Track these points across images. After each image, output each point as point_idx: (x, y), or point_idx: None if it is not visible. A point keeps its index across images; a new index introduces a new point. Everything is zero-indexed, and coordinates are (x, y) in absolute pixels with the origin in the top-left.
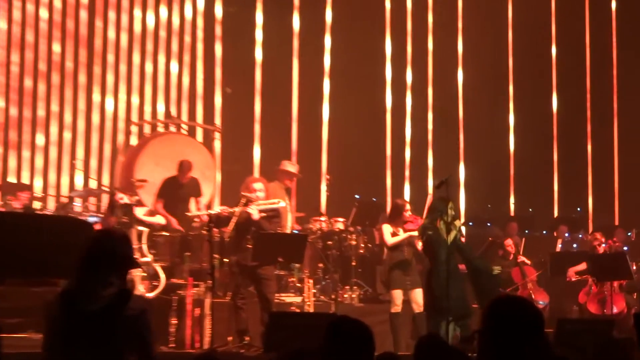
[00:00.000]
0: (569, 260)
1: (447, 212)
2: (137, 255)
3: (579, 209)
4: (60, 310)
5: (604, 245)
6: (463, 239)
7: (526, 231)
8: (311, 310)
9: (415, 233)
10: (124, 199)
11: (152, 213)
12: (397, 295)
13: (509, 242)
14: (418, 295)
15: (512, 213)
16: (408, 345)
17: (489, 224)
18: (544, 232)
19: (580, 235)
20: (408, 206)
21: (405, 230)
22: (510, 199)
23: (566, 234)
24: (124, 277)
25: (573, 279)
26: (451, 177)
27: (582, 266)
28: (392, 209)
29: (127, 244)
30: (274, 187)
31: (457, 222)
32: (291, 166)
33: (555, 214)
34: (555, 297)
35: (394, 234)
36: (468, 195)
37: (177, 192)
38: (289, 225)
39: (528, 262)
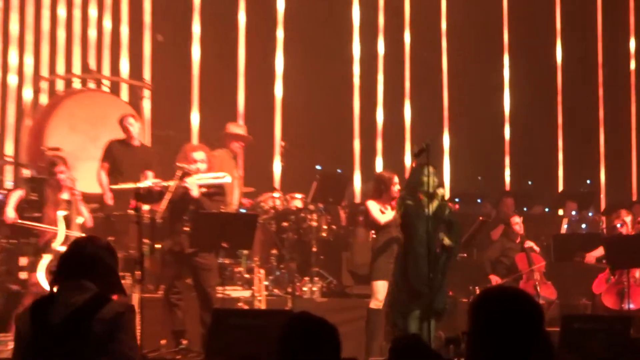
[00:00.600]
0: (577, 243)
1: (428, 180)
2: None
3: (588, 181)
4: (29, 323)
5: (618, 225)
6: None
7: (524, 209)
8: (263, 306)
9: None
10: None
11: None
12: (381, 287)
13: (516, 220)
14: None
15: (507, 187)
16: (382, 349)
17: (479, 201)
18: (546, 209)
19: (590, 214)
20: (397, 179)
21: (393, 208)
22: (505, 171)
23: (573, 213)
24: (102, 283)
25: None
26: (433, 143)
27: (601, 251)
28: (378, 183)
29: (104, 249)
30: (221, 156)
31: (440, 191)
32: (237, 127)
33: (560, 188)
34: (560, 288)
35: (381, 212)
36: (454, 165)
37: (127, 158)
38: (236, 203)
39: (537, 248)
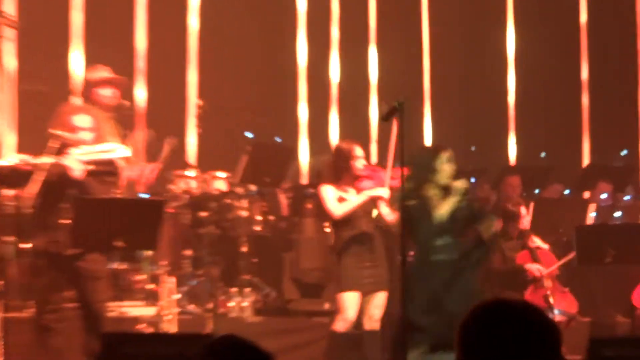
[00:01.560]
0: (610, 238)
1: (439, 168)
2: None
3: (624, 152)
4: None
5: None
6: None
7: (535, 190)
8: (173, 329)
9: (378, 192)
10: None
11: None
12: (350, 301)
13: (520, 206)
14: (380, 301)
15: (511, 161)
16: None
17: (472, 180)
18: (566, 191)
19: (628, 197)
20: (360, 151)
21: (359, 191)
22: (509, 139)
23: (604, 195)
24: None
25: None
26: (408, 102)
27: None
28: (334, 159)
29: None
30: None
31: (459, 184)
32: (99, 71)
33: (585, 161)
34: (586, 301)
35: (340, 200)
36: (437, 132)
37: None
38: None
39: (545, 245)
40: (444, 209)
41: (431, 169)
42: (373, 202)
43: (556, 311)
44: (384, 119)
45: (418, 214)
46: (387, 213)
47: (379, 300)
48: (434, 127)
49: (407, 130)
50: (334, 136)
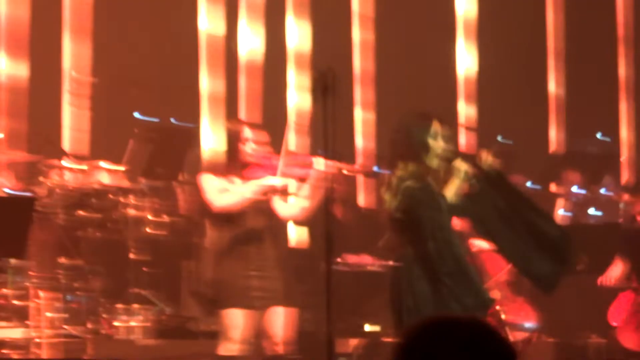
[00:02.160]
0: (584, 241)
1: (436, 144)
2: None
3: (599, 136)
4: None
5: None
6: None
7: None
8: (46, 354)
9: (271, 182)
10: None
11: None
12: (235, 320)
13: None
14: (278, 319)
15: (460, 146)
16: None
17: None
18: (528, 183)
19: (604, 191)
20: (249, 133)
21: (246, 180)
22: (461, 120)
23: (575, 189)
24: None
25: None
26: (340, 71)
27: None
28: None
29: None
30: None
31: (460, 165)
32: None
33: (552, 146)
34: (554, 318)
35: (224, 190)
36: (381, 109)
37: None
38: None
39: (486, 245)
40: (449, 192)
41: (424, 144)
42: (266, 192)
43: (510, 326)
44: (314, 91)
45: (421, 201)
46: (284, 208)
47: (277, 318)
48: (368, 109)
49: (335, 110)
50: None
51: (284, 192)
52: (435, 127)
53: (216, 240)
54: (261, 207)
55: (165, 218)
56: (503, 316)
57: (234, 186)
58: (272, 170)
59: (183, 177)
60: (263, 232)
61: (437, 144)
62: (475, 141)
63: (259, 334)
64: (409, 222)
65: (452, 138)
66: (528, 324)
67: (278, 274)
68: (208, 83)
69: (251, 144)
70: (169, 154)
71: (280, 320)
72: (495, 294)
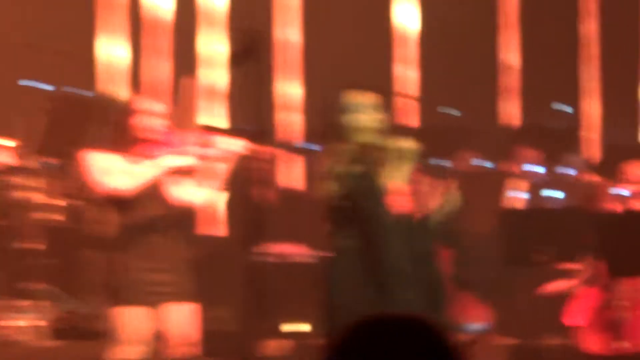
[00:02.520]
0: (543, 228)
1: (365, 117)
2: None
3: (560, 107)
4: None
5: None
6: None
7: (429, 160)
8: None
9: (174, 162)
10: None
11: None
12: (129, 319)
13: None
14: (179, 317)
15: (411, 121)
16: None
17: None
18: (479, 161)
19: (565, 170)
20: (146, 104)
21: (143, 158)
22: (404, 85)
23: (531, 167)
24: None
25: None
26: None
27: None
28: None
29: None
30: None
31: (407, 145)
32: None
33: (506, 120)
34: (507, 315)
35: (115, 171)
36: (306, 83)
37: None
38: None
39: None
40: (398, 178)
41: (349, 121)
42: (165, 173)
43: (456, 327)
44: (235, 60)
45: (363, 188)
46: (193, 193)
47: (178, 317)
48: (294, 78)
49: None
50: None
51: (189, 174)
52: (361, 99)
53: (109, 228)
54: (158, 192)
55: (63, 201)
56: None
57: (129, 166)
58: (174, 148)
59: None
60: (163, 219)
61: (366, 117)
62: (417, 112)
63: (158, 335)
64: (346, 211)
65: (385, 107)
66: (474, 325)
67: (182, 266)
68: (109, 46)
69: (149, 118)
70: (67, 128)
71: (184, 319)
72: None
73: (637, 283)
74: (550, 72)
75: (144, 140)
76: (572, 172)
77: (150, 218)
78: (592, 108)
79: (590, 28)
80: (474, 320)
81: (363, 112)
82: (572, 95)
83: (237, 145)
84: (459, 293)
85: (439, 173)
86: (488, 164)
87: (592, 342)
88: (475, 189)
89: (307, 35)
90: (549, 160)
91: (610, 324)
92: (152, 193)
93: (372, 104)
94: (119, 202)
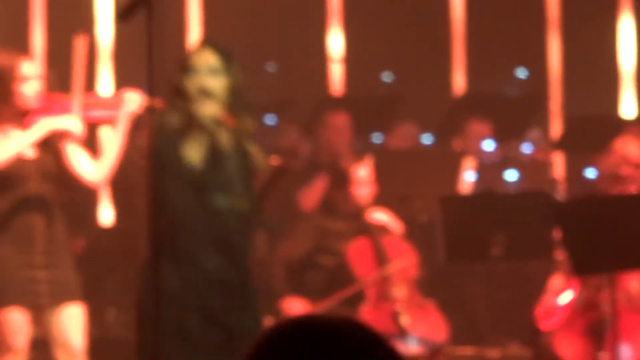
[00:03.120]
0: (499, 216)
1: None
2: None
3: (519, 73)
4: None
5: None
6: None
7: (374, 136)
8: None
9: (63, 124)
10: None
11: None
12: (12, 322)
13: (359, 170)
14: (71, 320)
15: (334, 89)
16: None
17: (270, 121)
18: (424, 137)
19: (526, 147)
20: (30, 68)
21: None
22: (329, 48)
23: (487, 144)
24: None
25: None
26: None
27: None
28: None
29: None
30: None
31: (208, 109)
32: None
33: (457, 87)
34: (465, 320)
35: None
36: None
37: None
38: None
39: (395, 227)
40: (192, 151)
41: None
42: (56, 154)
43: (412, 339)
44: (123, 16)
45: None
46: (89, 167)
47: (70, 319)
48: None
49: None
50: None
51: (76, 139)
52: (198, 59)
53: None
54: (48, 169)
55: None
56: (404, 320)
57: (9, 139)
58: (54, 114)
59: None
60: (52, 202)
61: (199, 81)
62: (344, 79)
63: (46, 340)
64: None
65: (225, 71)
66: (434, 338)
67: (67, 260)
68: None
69: (33, 83)
70: None
71: (75, 322)
72: (399, 293)
73: (621, 279)
74: (501, 27)
75: (30, 109)
76: (528, 149)
77: (38, 199)
78: (552, 71)
79: None
80: (433, 335)
81: (202, 75)
82: (528, 56)
83: (136, 106)
84: (422, 300)
85: (370, 150)
86: (428, 139)
87: (570, 349)
88: (415, 170)
89: None
90: (502, 135)
91: (592, 330)
92: (40, 170)
93: (214, 65)
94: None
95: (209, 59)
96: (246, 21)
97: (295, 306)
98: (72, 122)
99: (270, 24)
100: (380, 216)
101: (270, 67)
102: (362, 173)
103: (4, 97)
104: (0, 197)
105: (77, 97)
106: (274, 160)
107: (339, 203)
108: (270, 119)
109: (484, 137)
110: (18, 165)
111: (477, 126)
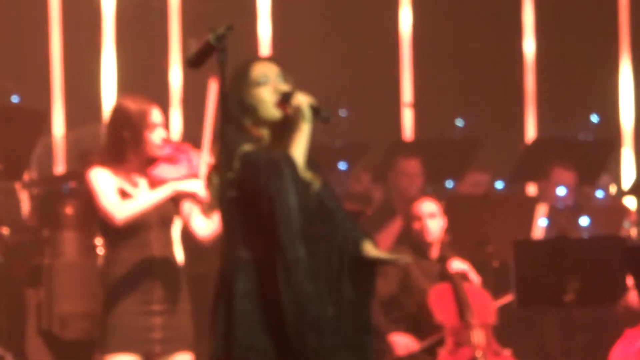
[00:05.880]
0: (572, 261)
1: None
2: None
3: (594, 118)
4: None
5: None
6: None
7: (446, 182)
8: None
9: (190, 186)
10: None
11: None
12: None
13: (428, 208)
14: None
15: (406, 131)
16: None
17: (342, 166)
18: (498, 183)
19: (600, 193)
20: (158, 116)
21: (154, 182)
22: (403, 96)
23: (561, 189)
24: None
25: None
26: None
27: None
28: (113, 127)
29: None
30: None
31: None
32: None
33: (531, 132)
34: None
35: (124, 195)
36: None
37: None
38: None
39: (475, 277)
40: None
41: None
42: (176, 203)
43: None
44: (194, 63)
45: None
46: (202, 223)
47: None
48: None
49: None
50: (109, 94)
51: (199, 202)
52: (258, 69)
53: (108, 263)
54: (168, 217)
55: (4, 230)
56: None
57: (137, 189)
58: (188, 168)
59: (29, 176)
60: (169, 255)
61: (272, 88)
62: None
63: None
64: (245, 203)
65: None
66: None
67: (187, 311)
68: (61, 48)
69: (161, 131)
70: (10, 146)
71: None
72: (478, 339)
73: None
74: (572, 72)
75: (153, 159)
76: (600, 194)
77: (158, 248)
78: (624, 116)
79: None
80: None
81: (270, 81)
82: (599, 101)
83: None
84: (500, 348)
85: (440, 197)
86: (499, 186)
87: None
88: (487, 216)
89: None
90: (582, 183)
91: None
92: (155, 222)
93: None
94: (121, 232)
95: (272, 66)
96: (318, 67)
97: (402, 341)
98: (198, 187)
99: (342, 70)
100: (461, 265)
101: (343, 112)
102: (429, 207)
103: (136, 145)
104: (124, 244)
105: (205, 150)
106: (348, 206)
107: (416, 242)
108: (342, 165)
109: (568, 185)
110: (144, 218)
111: (560, 172)
